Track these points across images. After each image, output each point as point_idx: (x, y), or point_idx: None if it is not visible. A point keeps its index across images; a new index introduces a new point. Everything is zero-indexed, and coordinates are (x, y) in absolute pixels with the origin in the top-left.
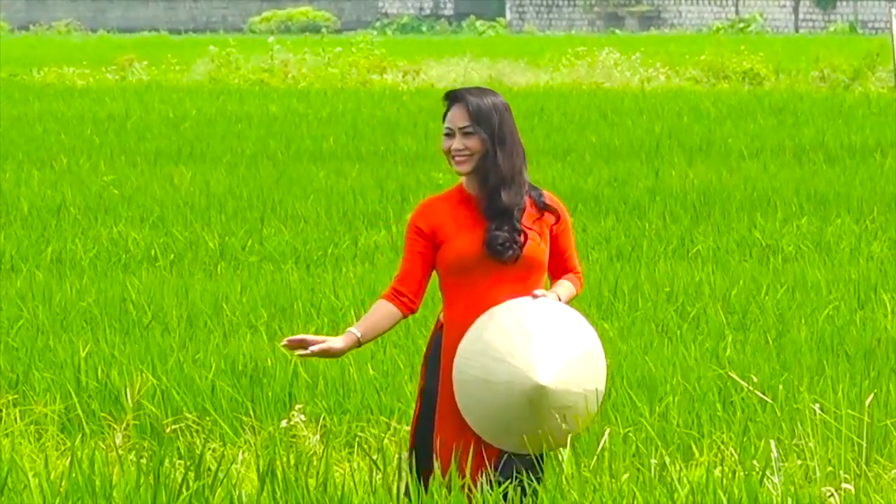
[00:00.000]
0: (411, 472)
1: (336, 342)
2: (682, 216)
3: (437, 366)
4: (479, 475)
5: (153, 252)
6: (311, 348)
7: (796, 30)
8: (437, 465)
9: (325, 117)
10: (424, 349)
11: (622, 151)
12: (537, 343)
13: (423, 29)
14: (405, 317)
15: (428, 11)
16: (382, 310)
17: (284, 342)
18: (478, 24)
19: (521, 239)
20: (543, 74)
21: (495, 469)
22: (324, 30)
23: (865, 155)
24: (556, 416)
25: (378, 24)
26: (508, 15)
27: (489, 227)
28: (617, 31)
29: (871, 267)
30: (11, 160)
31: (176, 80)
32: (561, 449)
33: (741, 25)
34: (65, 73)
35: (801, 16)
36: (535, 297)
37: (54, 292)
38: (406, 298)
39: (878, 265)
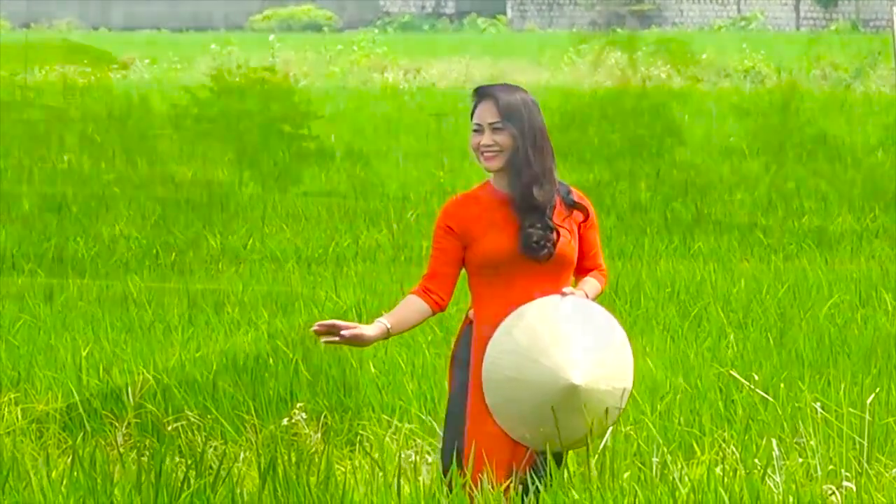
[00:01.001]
0: (444, 467)
1: (367, 329)
2: (684, 215)
3: (467, 362)
4: (513, 474)
5: (154, 251)
6: (343, 333)
7: (798, 28)
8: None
9: (327, 116)
10: (452, 346)
11: (623, 150)
12: (568, 341)
13: (425, 27)
14: (434, 314)
15: (429, 10)
16: (413, 305)
17: (315, 327)
18: (479, 21)
19: (555, 237)
20: (545, 72)
21: (531, 469)
22: (325, 28)
23: (867, 153)
24: (586, 414)
25: (379, 22)
26: (510, 13)
27: (523, 225)
28: (618, 29)
29: (873, 265)
30: (13, 158)
31: (177, 79)
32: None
33: (742, 23)
34: (66, 71)
35: (802, 14)
36: (563, 294)
37: (55, 291)
38: (436, 296)
39: (880, 263)
